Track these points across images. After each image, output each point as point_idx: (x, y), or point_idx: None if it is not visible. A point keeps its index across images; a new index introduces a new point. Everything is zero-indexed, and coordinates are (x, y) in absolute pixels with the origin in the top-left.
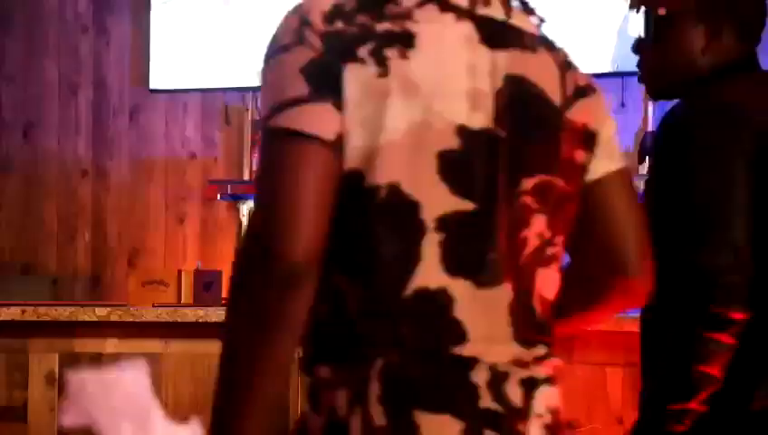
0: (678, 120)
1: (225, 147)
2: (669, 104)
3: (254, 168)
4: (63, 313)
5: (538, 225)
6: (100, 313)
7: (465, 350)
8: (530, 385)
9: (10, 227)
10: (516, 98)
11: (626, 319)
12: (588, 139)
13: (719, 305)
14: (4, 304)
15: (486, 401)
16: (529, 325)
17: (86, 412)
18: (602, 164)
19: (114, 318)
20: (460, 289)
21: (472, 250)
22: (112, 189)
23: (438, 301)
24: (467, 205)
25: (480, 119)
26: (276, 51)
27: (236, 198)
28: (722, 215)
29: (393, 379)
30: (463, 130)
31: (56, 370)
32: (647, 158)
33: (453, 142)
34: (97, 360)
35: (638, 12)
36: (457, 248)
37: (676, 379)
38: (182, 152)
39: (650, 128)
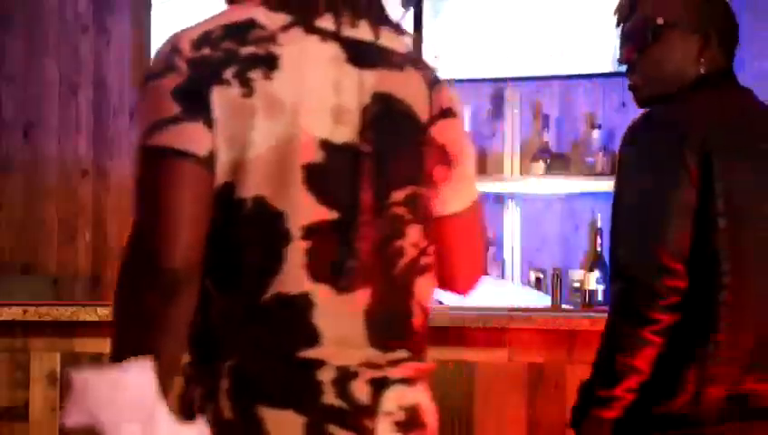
0: (632, 125)
1: None
2: None
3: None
4: (65, 312)
5: (413, 235)
6: (102, 312)
7: (315, 352)
8: (380, 385)
9: (10, 227)
10: (383, 114)
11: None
12: (445, 158)
13: (641, 305)
14: (6, 303)
15: (330, 398)
16: (390, 330)
17: (90, 412)
18: (454, 203)
19: None
20: (321, 295)
21: (333, 257)
22: (112, 189)
23: (298, 306)
24: (332, 214)
25: (344, 133)
26: (149, 78)
27: None
28: (652, 218)
29: (241, 376)
30: (326, 144)
31: (58, 370)
32: None
33: (317, 156)
34: (98, 360)
35: (626, 21)
36: (321, 256)
37: (604, 368)
38: None
39: None
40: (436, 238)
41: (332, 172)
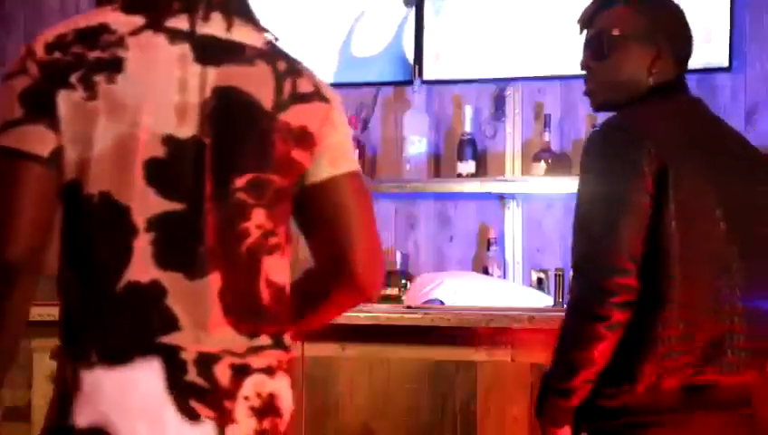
0: (592, 134)
1: None
2: None
3: None
4: None
5: (257, 217)
6: None
7: (176, 338)
8: (241, 371)
9: None
10: (224, 106)
11: None
12: (305, 139)
13: (594, 302)
14: None
15: (193, 376)
16: (247, 311)
17: (99, 412)
18: (326, 169)
19: None
20: (172, 281)
21: (181, 246)
22: None
23: (151, 293)
24: (176, 206)
25: (187, 129)
26: (4, 78)
27: None
28: (606, 220)
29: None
30: (170, 140)
31: None
32: None
33: (159, 151)
34: None
35: (587, 31)
36: (168, 245)
37: (562, 361)
38: None
39: None
40: (321, 209)
41: (175, 166)
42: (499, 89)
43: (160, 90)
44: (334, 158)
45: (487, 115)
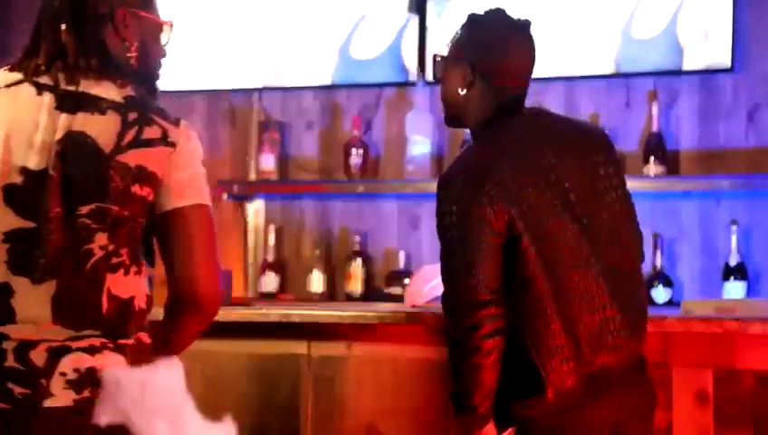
0: (439, 182)
1: (231, 147)
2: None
3: (261, 168)
4: None
5: (100, 239)
6: None
7: (7, 329)
8: (58, 353)
9: None
10: (71, 147)
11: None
12: (145, 177)
13: (466, 338)
14: None
15: (11, 362)
16: (76, 314)
17: (122, 411)
18: (171, 201)
19: None
20: (19, 284)
21: (29, 256)
22: None
23: (3, 292)
24: (29, 224)
25: (40, 162)
26: None
27: (242, 198)
28: (464, 263)
29: None
30: (25, 171)
31: None
32: (651, 158)
33: (17, 179)
34: None
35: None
36: (19, 254)
37: (456, 385)
38: None
39: (655, 128)
40: (169, 236)
41: (28, 192)
42: None
43: (23, 130)
44: (180, 192)
45: None
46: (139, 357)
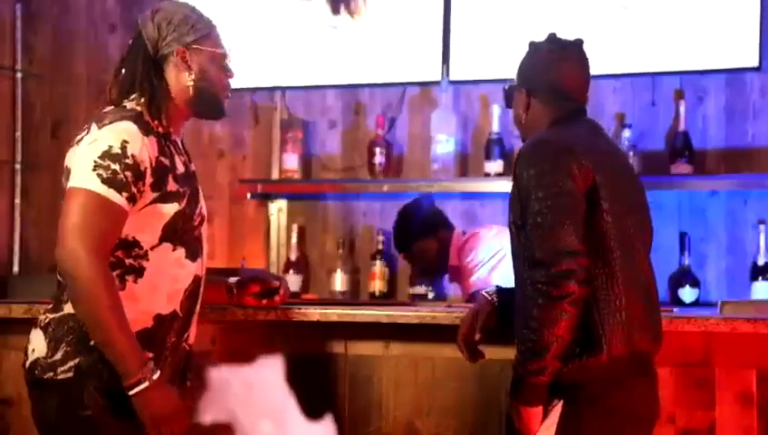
0: (519, 155)
1: (254, 146)
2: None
3: (284, 167)
4: None
5: None
6: None
7: None
8: None
9: (38, 226)
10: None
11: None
12: (68, 175)
13: (561, 283)
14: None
15: None
16: None
17: (228, 411)
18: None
19: None
20: None
21: None
22: None
23: None
24: None
25: None
26: None
27: (265, 197)
28: (554, 219)
29: None
30: None
31: None
32: (678, 158)
33: None
34: None
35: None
36: None
37: (532, 343)
38: (211, 151)
39: (681, 127)
40: None
41: None
42: None
43: None
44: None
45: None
46: None
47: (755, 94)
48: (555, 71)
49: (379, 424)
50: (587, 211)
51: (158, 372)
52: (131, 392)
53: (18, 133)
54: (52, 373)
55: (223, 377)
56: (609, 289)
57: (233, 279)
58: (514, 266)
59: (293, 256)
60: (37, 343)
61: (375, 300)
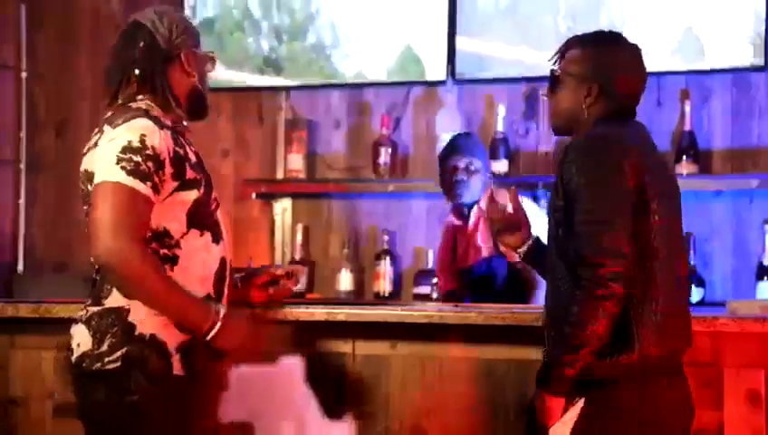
0: (571, 147)
1: (258, 145)
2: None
3: (288, 166)
4: None
5: None
6: None
7: None
8: None
9: (43, 226)
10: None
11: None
12: (90, 177)
13: (608, 283)
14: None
15: None
16: None
17: (249, 410)
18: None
19: None
20: None
21: None
22: None
23: None
24: None
25: None
26: None
27: (270, 197)
28: (605, 217)
29: None
30: None
31: None
32: (683, 157)
33: None
34: None
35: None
36: None
37: (573, 338)
38: (215, 150)
39: (687, 127)
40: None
41: None
42: (531, 88)
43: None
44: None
45: (519, 114)
46: None
47: (761, 94)
48: (632, 70)
49: (386, 424)
50: (634, 210)
51: (224, 309)
52: (209, 338)
53: (22, 133)
54: (99, 364)
55: (229, 377)
56: (647, 289)
57: (237, 274)
58: (550, 261)
59: (298, 256)
60: (81, 338)
61: (381, 300)
